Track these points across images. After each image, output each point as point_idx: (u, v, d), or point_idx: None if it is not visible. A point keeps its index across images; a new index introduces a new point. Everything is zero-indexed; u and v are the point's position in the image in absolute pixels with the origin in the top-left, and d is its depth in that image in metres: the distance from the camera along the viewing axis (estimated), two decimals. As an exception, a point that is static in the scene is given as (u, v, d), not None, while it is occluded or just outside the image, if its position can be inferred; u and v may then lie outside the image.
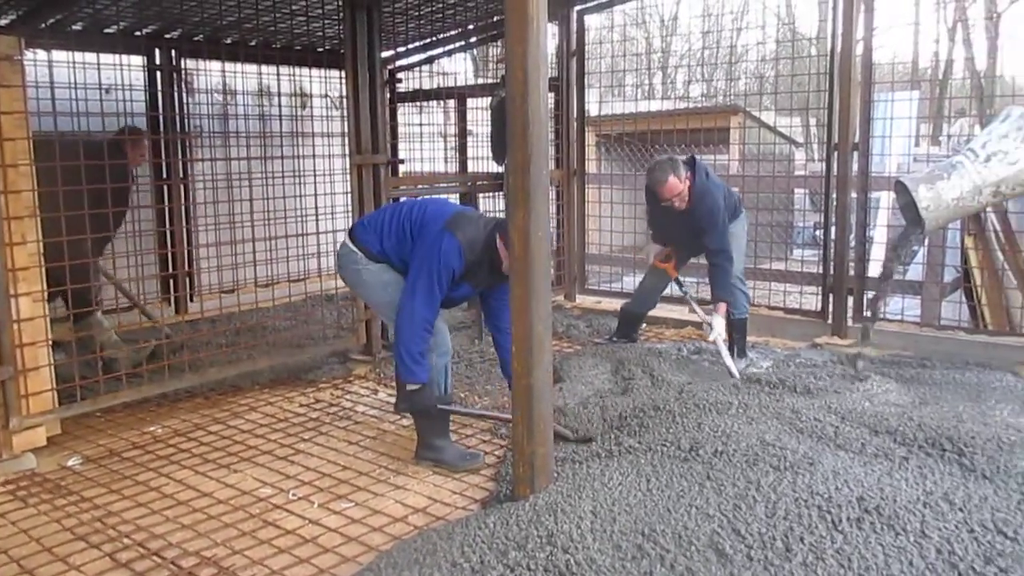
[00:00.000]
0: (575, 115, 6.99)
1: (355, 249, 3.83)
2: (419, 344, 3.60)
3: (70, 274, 4.13)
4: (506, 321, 3.60)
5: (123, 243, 5.06)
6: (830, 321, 5.74)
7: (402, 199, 5.28)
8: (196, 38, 6.71)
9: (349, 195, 5.48)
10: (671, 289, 5.61)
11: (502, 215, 6.43)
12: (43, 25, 5.72)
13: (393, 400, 4.51)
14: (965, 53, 18.14)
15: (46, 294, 4.04)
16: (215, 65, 6.86)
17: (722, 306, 4.91)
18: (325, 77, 7.48)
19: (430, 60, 7.57)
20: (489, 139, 6.43)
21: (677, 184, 4.78)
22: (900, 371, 4.74)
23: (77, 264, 4.22)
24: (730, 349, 5.19)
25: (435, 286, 3.57)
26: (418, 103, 7.67)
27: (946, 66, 16.88)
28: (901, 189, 4.77)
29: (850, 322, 5.67)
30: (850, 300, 5.70)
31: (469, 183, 6.08)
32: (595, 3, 6.87)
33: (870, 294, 5.51)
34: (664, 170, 4.80)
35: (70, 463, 3.91)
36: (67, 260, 4.10)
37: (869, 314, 5.21)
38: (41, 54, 5.52)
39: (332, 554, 2.98)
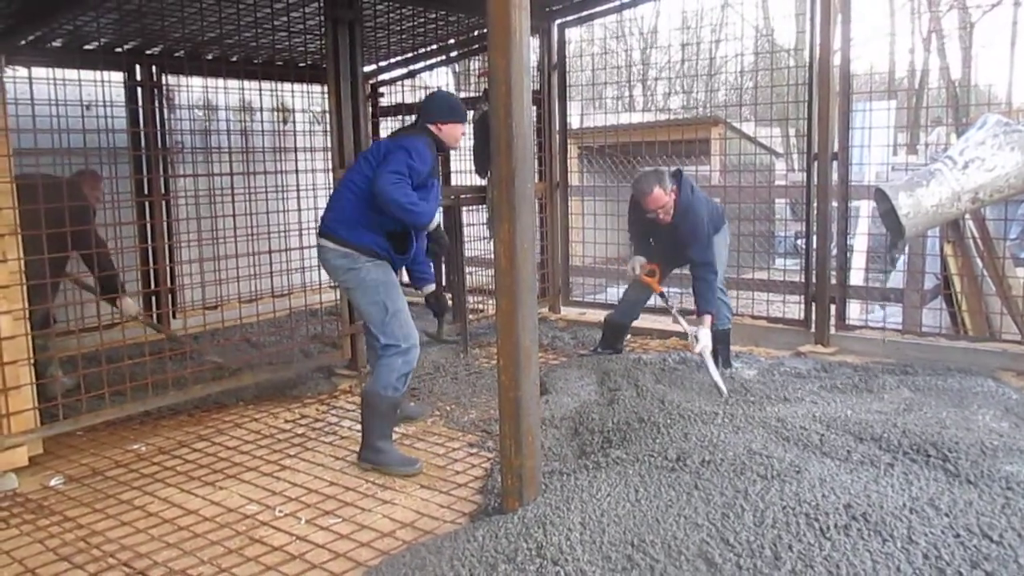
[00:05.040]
0: (557, 128, 7.02)
1: (350, 250, 3.84)
2: (407, 192, 3.69)
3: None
4: None
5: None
6: (813, 329, 5.77)
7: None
8: (177, 54, 6.69)
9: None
10: (655, 300, 5.62)
11: (485, 228, 6.48)
12: (23, 42, 5.69)
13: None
14: (940, 63, 18.38)
15: None
16: (196, 81, 6.83)
17: (707, 318, 4.86)
18: (307, 92, 7.47)
19: (412, 74, 7.59)
20: (472, 152, 6.44)
21: (662, 196, 4.78)
22: (884, 378, 4.77)
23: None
24: (715, 359, 5.21)
25: (411, 160, 3.72)
26: (400, 117, 7.67)
27: (922, 76, 17.11)
28: (881, 197, 4.82)
29: (833, 330, 5.71)
30: (832, 308, 5.74)
31: (452, 196, 6.08)
32: (575, 16, 6.92)
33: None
34: (650, 181, 4.79)
35: (52, 483, 3.87)
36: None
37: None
38: (21, 71, 5.49)
39: (320, 570, 2.96)
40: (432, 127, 3.99)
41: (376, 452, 3.87)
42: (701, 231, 4.88)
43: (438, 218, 4.02)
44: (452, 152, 7.29)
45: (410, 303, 4.08)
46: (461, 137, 4.14)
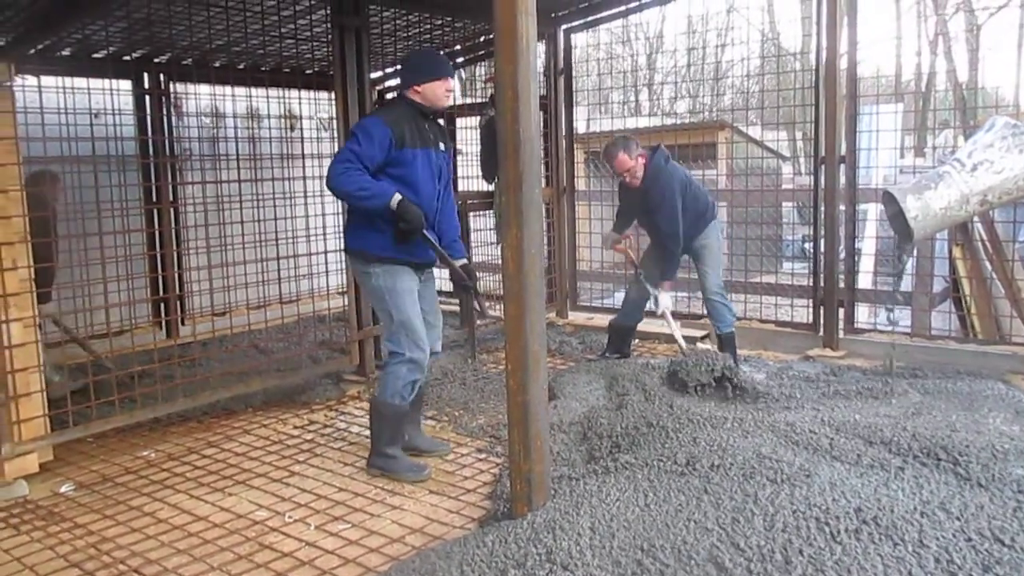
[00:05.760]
0: (564, 133, 7.03)
1: (357, 256, 3.82)
2: (354, 180, 3.56)
3: None
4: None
5: (114, 267, 5.04)
6: (821, 333, 5.76)
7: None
8: (185, 62, 6.72)
9: (338, 216, 5.50)
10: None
11: (493, 233, 6.49)
12: (32, 50, 5.72)
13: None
14: (947, 65, 18.33)
15: None
16: (204, 88, 6.87)
17: (667, 284, 5.31)
18: (314, 99, 7.50)
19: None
20: (479, 158, 6.46)
21: (627, 160, 5.12)
22: (894, 382, 4.75)
23: None
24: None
25: (355, 145, 3.59)
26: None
27: (928, 78, 17.04)
28: (889, 199, 4.81)
29: (841, 334, 5.70)
30: (841, 312, 5.72)
31: (459, 201, 6.09)
32: (581, 22, 6.93)
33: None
34: (617, 146, 5.15)
35: (63, 489, 3.89)
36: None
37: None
38: (31, 79, 5.52)
39: (330, 576, 2.97)
40: (409, 94, 3.78)
41: (385, 459, 3.86)
42: (665, 199, 5.11)
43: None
44: (460, 158, 7.33)
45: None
46: (448, 94, 3.83)
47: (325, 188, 5.98)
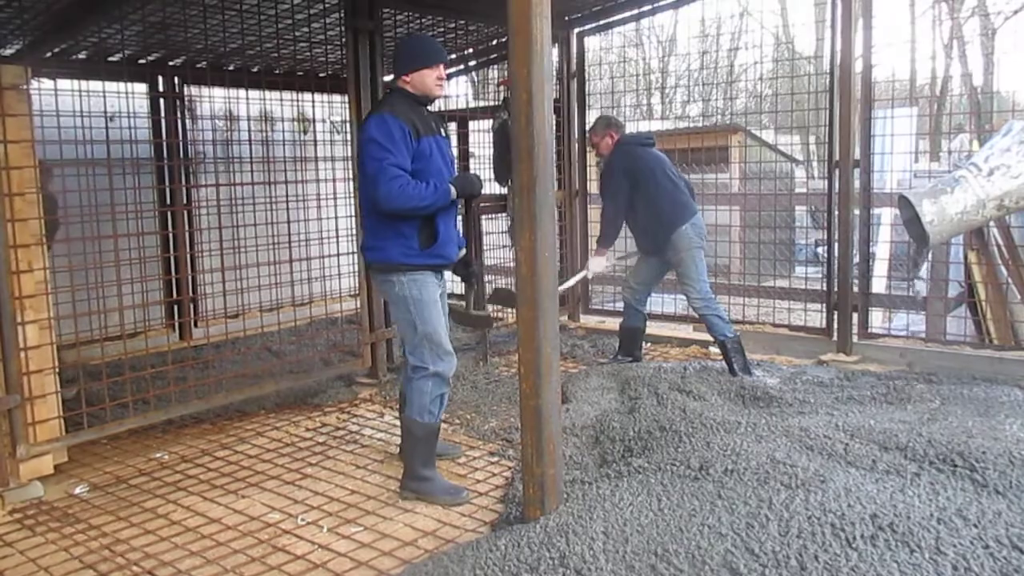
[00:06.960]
0: (576, 136, 7.02)
1: (382, 268, 3.64)
2: (413, 194, 3.43)
3: None
4: None
5: (128, 270, 5.06)
6: (835, 338, 5.73)
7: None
8: (199, 65, 6.75)
9: (350, 219, 5.51)
10: (674, 308, 5.63)
11: (506, 236, 6.48)
12: (48, 54, 5.76)
13: (399, 423, 4.48)
14: (962, 69, 18.22)
15: None
16: (218, 91, 6.90)
17: (601, 250, 5.62)
18: (327, 102, 7.53)
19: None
20: (491, 161, 6.46)
21: (592, 136, 5.72)
22: (909, 387, 4.71)
23: None
24: (731, 368, 5.17)
25: (388, 155, 3.42)
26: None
27: (943, 82, 16.96)
28: (904, 204, 4.78)
29: (855, 339, 5.66)
30: (854, 317, 5.69)
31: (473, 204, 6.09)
32: (594, 25, 6.93)
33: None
34: (595, 122, 5.75)
35: (77, 491, 3.90)
36: None
37: None
38: (47, 82, 5.56)
39: (342, 579, 2.97)
40: (400, 84, 3.63)
41: (419, 481, 3.67)
42: (606, 173, 5.53)
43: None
44: (472, 161, 7.33)
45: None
46: (440, 82, 3.66)
47: (337, 191, 6.08)
